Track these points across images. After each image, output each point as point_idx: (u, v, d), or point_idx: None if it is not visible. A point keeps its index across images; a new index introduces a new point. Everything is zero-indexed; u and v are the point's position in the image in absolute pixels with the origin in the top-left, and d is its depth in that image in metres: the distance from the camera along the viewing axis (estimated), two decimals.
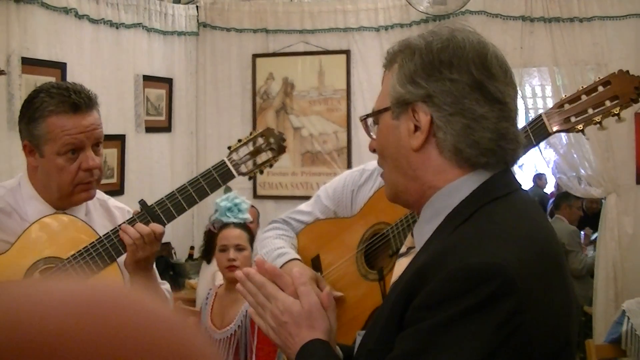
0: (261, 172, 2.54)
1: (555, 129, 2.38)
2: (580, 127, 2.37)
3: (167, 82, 7.05)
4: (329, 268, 2.69)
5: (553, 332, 1.34)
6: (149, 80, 6.76)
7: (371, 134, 1.63)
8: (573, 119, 2.37)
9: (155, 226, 2.35)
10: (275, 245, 2.67)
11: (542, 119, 2.39)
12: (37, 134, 2.32)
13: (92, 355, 0.48)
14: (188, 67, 7.31)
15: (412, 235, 1.65)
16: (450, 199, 1.47)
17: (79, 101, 2.32)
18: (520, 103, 7.02)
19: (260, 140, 2.53)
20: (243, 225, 3.94)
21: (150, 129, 6.83)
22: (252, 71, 7.32)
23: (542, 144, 6.75)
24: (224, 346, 3.73)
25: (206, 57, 7.42)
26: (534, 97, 8.10)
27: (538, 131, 2.38)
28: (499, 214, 1.43)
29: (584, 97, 2.37)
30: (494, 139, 1.45)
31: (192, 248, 7.07)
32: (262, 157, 2.53)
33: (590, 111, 2.36)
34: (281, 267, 2.50)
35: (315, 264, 2.72)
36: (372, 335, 1.49)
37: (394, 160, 1.55)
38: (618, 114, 2.34)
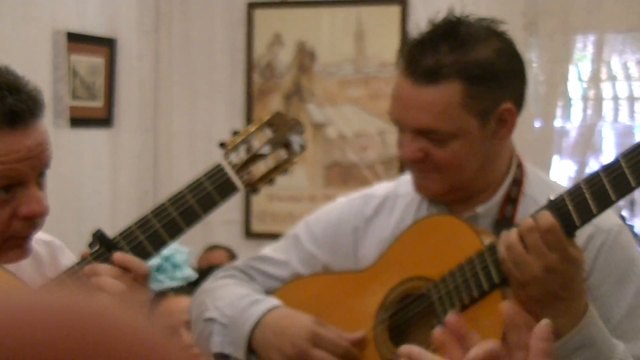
0: (271, 183, 2.08)
1: None
2: None
3: (108, 46, 5.75)
4: None
5: None
6: (76, 40, 5.52)
7: None
8: None
9: (134, 262, 1.86)
10: (239, 293, 2.21)
11: None
12: None
13: None
14: (141, 22, 5.93)
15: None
16: None
17: (19, 107, 1.76)
18: None
19: (267, 133, 2.05)
20: (188, 288, 3.39)
21: (79, 121, 5.54)
22: (246, 31, 5.81)
23: None
24: None
25: (172, 7, 5.91)
26: None
27: None
28: None
29: None
30: None
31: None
32: (273, 159, 2.03)
33: None
34: (260, 318, 2.16)
35: None
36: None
37: None
38: None
